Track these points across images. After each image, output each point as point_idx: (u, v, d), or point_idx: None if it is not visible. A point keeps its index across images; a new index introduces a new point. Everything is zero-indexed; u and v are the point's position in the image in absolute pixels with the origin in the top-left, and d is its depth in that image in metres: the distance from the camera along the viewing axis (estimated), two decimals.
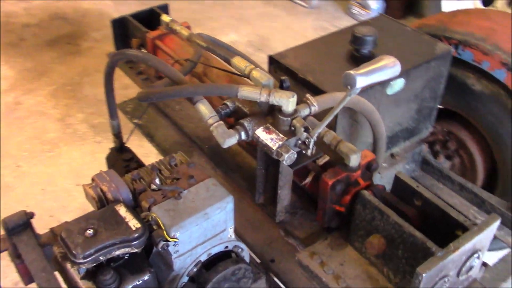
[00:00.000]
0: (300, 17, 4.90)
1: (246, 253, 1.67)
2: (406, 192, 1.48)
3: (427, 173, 2.34)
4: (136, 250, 1.36)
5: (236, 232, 1.90)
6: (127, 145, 2.01)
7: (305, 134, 1.37)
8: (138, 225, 1.36)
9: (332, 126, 1.84)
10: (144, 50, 2.25)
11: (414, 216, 1.44)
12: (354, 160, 1.49)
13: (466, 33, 2.15)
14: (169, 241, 1.37)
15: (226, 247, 1.57)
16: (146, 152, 3.20)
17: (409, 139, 2.20)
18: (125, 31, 2.34)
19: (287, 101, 1.37)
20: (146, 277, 1.40)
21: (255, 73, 1.46)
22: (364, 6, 4.75)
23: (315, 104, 1.51)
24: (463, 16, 2.28)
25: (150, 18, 2.35)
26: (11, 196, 3.05)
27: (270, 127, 1.42)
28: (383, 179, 2.15)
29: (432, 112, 2.19)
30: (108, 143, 3.38)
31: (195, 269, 1.52)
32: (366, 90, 1.82)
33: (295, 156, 1.38)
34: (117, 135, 1.94)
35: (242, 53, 1.84)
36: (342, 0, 5.13)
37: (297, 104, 1.50)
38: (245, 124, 1.43)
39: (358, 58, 1.97)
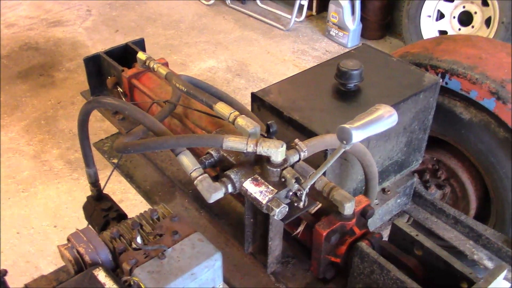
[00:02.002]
0: (277, 40, 4.84)
1: None
2: (405, 241, 1.39)
3: (420, 206, 2.27)
4: None
5: (224, 279, 1.80)
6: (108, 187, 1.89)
7: (296, 185, 1.28)
8: None
9: (319, 165, 1.76)
10: (120, 89, 2.14)
11: (416, 267, 1.36)
12: (349, 209, 1.40)
13: (453, 61, 2.10)
14: None
15: None
16: (124, 188, 3.08)
17: (400, 172, 2.13)
18: (99, 68, 2.23)
19: (276, 152, 1.28)
20: None
21: (240, 121, 1.37)
22: (342, 28, 4.72)
23: (305, 149, 1.43)
24: (448, 43, 2.23)
25: (125, 54, 2.25)
26: None
27: (259, 178, 1.33)
28: (375, 215, 2.08)
29: (421, 143, 2.13)
30: (86, 181, 3.25)
31: None
32: None
33: (287, 210, 1.29)
34: (95, 183, 1.82)
35: (224, 93, 1.76)
36: (319, 21, 5.10)
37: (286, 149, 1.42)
38: (232, 176, 1.34)
39: (345, 93, 1.90)
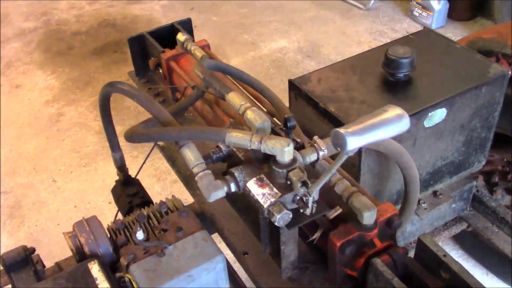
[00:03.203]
0: (355, 20, 4.58)
1: None
2: (432, 260, 1.21)
3: (480, 212, 2.01)
4: None
5: (251, 276, 1.70)
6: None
7: (302, 190, 1.14)
8: None
9: (355, 164, 1.59)
10: (160, 71, 2.08)
11: None
12: (368, 218, 1.23)
13: None
14: None
15: None
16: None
17: (457, 174, 1.89)
18: (144, 49, 2.18)
19: (282, 151, 1.14)
20: None
21: (250, 114, 1.24)
22: (426, 7, 4.35)
23: (324, 148, 1.27)
24: None
25: (171, 35, 2.17)
26: (44, 212, 3.01)
27: (264, 179, 1.20)
28: (424, 221, 1.87)
29: (485, 143, 1.87)
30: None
31: None
32: None
33: (290, 216, 1.15)
34: (121, 168, 1.79)
35: (257, 81, 1.62)
36: (403, 0, 4.75)
37: (303, 148, 1.27)
38: (236, 174, 1.22)
39: (392, 83, 1.70)
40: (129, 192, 1.79)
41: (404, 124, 0.92)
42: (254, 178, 1.21)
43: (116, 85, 1.43)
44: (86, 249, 1.30)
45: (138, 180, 1.87)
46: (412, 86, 1.69)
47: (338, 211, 1.34)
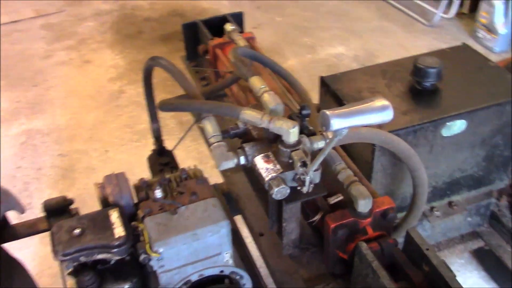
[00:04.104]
0: (416, 35, 4.58)
1: (247, 281, 1.58)
2: (416, 253, 1.29)
3: (496, 230, 2.03)
4: (117, 257, 1.36)
5: (263, 256, 1.82)
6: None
7: (301, 169, 1.25)
8: (122, 234, 1.35)
9: (368, 161, 1.68)
10: (207, 57, 2.25)
11: (420, 283, 1.25)
12: (363, 206, 1.33)
13: None
14: (150, 255, 1.34)
15: (222, 271, 1.51)
16: None
17: (476, 189, 1.93)
18: (196, 35, 2.36)
19: (287, 131, 1.26)
20: (126, 286, 1.39)
21: (266, 97, 1.37)
22: (491, 30, 4.30)
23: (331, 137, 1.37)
24: None
25: (222, 25, 2.33)
26: (93, 178, 3.25)
27: (271, 156, 1.32)
28: (435, 229, 1.92)
29: (508, 162, 1.90)
30: (190, 142, 3.46)
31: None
32: (413, 129, 1.63)
33: (288, 191, 1.26)
34: (157, 138, 1.96)
35: (289, 73, 1.75)
36: (470, 20, 4.70)
37: (314, 135, 1.38)
38: (247, 148, 1.35)
39: (418, 91, 1.78)
40: (161, 161, 1.96)
41: (387, 114, 1.02)
42: (262, 154, 1.33)
43: (156, 60, 1.60)
44: (110, 199, 1.47)
45: (172, 152, 2.04)
46: (436, 95, 1.76)
47: (339, 197, 1.44)
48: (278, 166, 1.30)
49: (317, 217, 1.45)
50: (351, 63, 4.25)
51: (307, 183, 1.26)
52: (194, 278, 1.48)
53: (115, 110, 3.82)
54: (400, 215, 1.71)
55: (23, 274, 1.76)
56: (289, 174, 1.29)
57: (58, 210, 1.87)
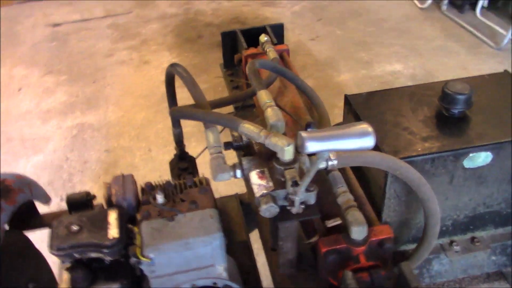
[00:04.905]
0: (482, 57, 4.37)
1: None
2: None
3: None
4: (109, 258, 1.38)
5: (271, 269, 1.80)
6: None
7: (291, 189, 1.22)
8: (116, 235, 1.37)
9: (381, 187, 1.61)
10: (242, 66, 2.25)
11: None
12: (357, 233, 1.28)
13: None
14: (140, 259, 1.36)
15: (215, 283, 1.50)
16: None
17: (504, 226, 1.81)
18: (235, 44, 2.37)
19: (282, 149, 1.23)
20: (115, 286, 1.41)
21: (269, 111, 1.35)
22: None
23: (334, 159, 1.33)
24: None
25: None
26: (134, 175, 3.35)
27: (265, 172, 1.30)
28: (454, 264, 1.81)
29: None
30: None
31: None
32: (431, 157, 1.55)
33: (277, 210, 1.24)
34: (178, 143, 1.98)
35: (310, 88, 1.72)
36: None
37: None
38: (244, 162, 1.34)
39: (444, 118, 1.69)
40: (181, 166, 1.98)
41: (367, 141, 0.97)
42: (257, 170, 1.32)
43: (175, 67, 1.63)
44: (113, 199, 1.50)
45: (193, 158, 2.06)
46: (463, 124, 1.66)
47: (337, 221, 1.40)
48: (270, 184, 1.27)
49: (313, 239, 1.41)
50: (407, 81, 4.12)
51: (296, 203, 1.23)
52: (187, 286, 1.48)
53: (165, 111, 3.91)
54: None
55: (45, 265, 1.83)
56: (281, 193, 1.26)
57: (80, 204, 1.93)
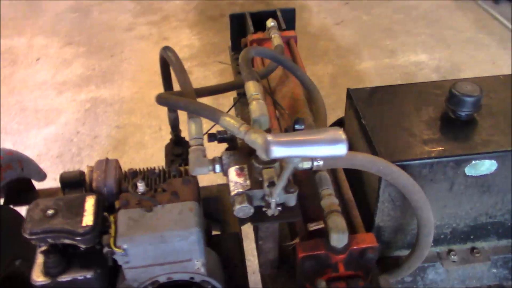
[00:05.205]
0: None
1: None
2: None
3: None
4: (83, 245, 1.34)
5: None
6: None
7: (268, 190, 1.15)
8: (89, 223, 1.33)
9: (375, 190, 1.52)
10: None
11: None
12: (336, 241, 1.21)
13: None
14: (113, 250, 1.32)
15: (192, 278, 1.45)
16: None
17: (507, 238, 1.70)
18: (243, 27, 2.28)
19: (260, 147, 1.16)
20: (88, 275, 1.38)
21: (253, 105, 1.27)
22: None
23: (320, 159, 1.25)
24: None
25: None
26: (141, 153, 3.33)
27: (245, 169, 1.23)
28: (451, 274, 1.73)
29: None
30: None
31: (150, 287, 1.44)
32: (430, 162, 1.45)
33: (251, 211, 1.17)
34: (174, 127, 1.93)
35: (308, 80, 1.63)
36: None
37: None
38: (223, 157, 1.27)
39: (451, 120, 1.58)
40: (175, 152, 1.93)
41: (339, 149, 0.89)
42: (237, 167, 1.25)
43: (166, 50, 1.56)
44: (94, 184, 1.46)
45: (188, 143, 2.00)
46: (469, 128, 1.55)
47: (320, 225, 1.32)
48: (247, 182, 1.20)
49: (293, 242, 1.34)
50: (431, 73, 3.96)
51: (272, 205, 1.16)
52: (162, 279, 1.44)
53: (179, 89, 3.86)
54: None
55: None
56: (258, 193, 1.19)
57: (73, 183, 1.90)
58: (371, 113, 1.60)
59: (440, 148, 1.48)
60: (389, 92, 1.70)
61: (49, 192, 1.87)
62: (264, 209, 1.18)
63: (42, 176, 1.91)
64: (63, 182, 1.76)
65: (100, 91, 3.85)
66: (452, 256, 1.68)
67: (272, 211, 1.17)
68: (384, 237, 1.63)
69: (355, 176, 1.60)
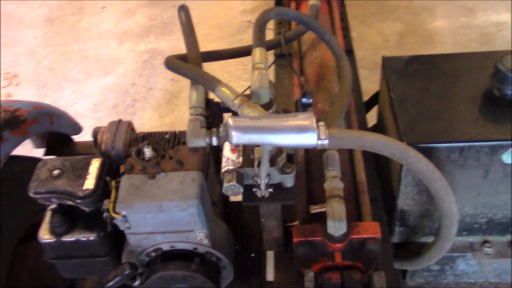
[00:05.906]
0: None
1: (227, 265, 1.48)
2: None
3: None
4: (84, 208, 1.34)
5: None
6: None
7: (257, 169, 1.06)
8: (90, 187, 1.33)
9: (397, 171, 1.39)
10: None
11: None
12: (332, 228, 1.11)
13: None
14: (112, 215, 1.30)
15: (195, 248, 1.42)
16: None
17: None
18: None
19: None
20: (91, 237, 1.39)
21: (255, 74, 1.17)
22: None
23: (325, 137, 1.13)
24: None
25: None
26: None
27: (240, 145, 1.15)
28: (485, 267, 1.58)
29: None
30: None
31: (153, 254, 1.43)
32: (458, 146, 1.29)
33: (240, 190, 1.10)
34: None
35: (337, 46, 1.50)
36: None
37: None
38: (221, 130, 1.19)
39: (494, 99, 1.39)
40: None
41: (307, 138, 0.78)
42: None
43: (180, 10, 1.47)
44: (102, 146, 1.44)
45: (218, 106, 1.93)
46: None
47: (323, 208, 1.23)
48: (240, 160, 1.13)
49: (293, 224, 1.26)
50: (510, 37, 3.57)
51: (262, 186, 1.08)
52: (165, 247, 1.43)
53: (237, 44, 3.75)
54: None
55: None
56: (250, 171, 1.12)
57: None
58: (401, 86, 1.45)
59: (474, 132, 1.31)
60: (428, 63, 1.52)
61: (86, 146, 1.89)
62: (254, 189, 1.11)
63: (76, 130, 1.93)
64: (95, 137, 1.76)
65: (159, 43, 3.84)
66: (487, 248, 1.52)
67: (262, 191, 1.09)
68: (409, 222, 1.51)
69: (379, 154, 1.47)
